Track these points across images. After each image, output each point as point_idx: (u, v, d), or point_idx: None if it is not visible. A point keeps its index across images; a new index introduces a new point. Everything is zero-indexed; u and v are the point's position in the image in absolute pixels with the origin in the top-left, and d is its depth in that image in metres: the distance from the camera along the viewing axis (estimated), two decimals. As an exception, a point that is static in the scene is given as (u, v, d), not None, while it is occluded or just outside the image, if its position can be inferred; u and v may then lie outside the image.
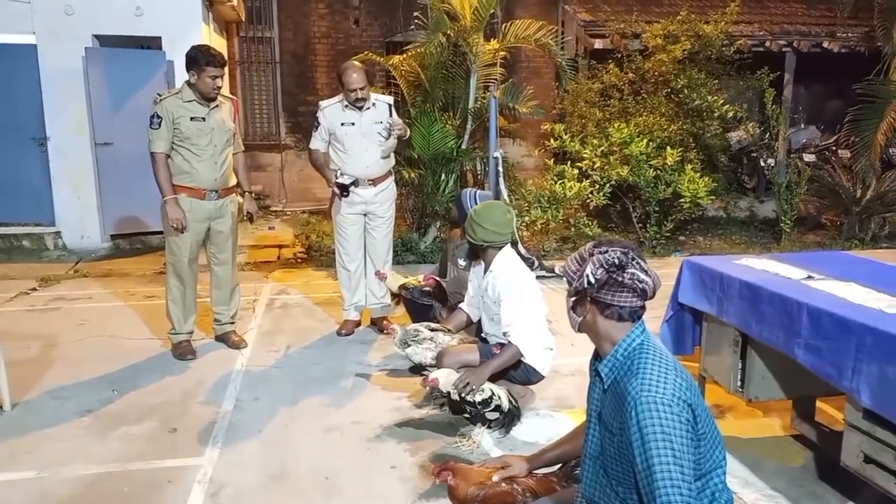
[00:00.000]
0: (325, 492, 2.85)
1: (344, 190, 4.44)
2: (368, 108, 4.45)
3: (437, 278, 4.32)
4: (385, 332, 4.62)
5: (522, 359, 3.31)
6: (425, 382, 3.25)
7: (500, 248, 3.42)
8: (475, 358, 3.36)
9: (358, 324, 4.83)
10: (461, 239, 4.18)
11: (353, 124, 4.42)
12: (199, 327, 4.63)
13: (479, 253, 3.48)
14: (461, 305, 3.82)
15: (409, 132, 4.61)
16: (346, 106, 4.43)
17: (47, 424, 3.45)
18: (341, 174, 4.43)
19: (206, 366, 4.25)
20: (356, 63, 4.53)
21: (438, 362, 3.39)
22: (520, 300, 3.31)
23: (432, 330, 3.65)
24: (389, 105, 4.57)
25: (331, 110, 4.47)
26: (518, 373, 3.38)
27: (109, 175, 7.44)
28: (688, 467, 1.57)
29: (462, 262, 4.15)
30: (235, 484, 2.91)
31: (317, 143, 4.54)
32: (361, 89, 4.35)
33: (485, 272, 3.48)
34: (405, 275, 4.92)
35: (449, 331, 3.67)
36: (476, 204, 4.23)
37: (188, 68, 4.10)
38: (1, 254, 7.29)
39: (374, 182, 4.53)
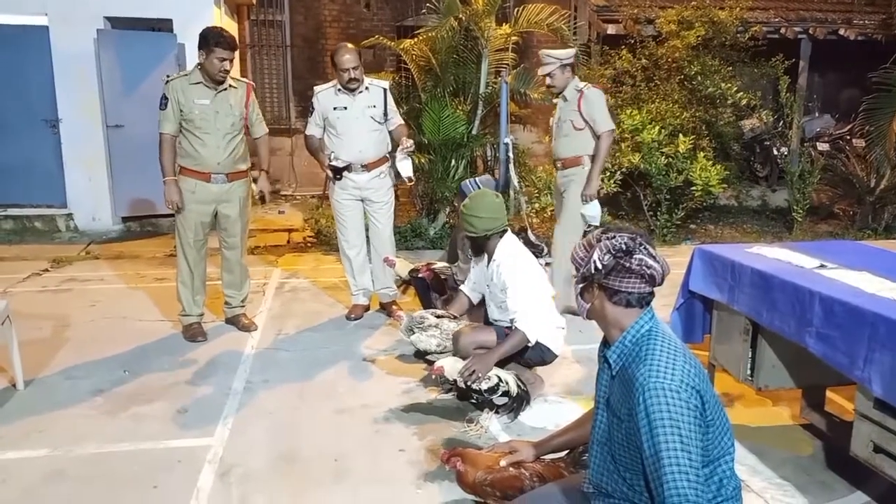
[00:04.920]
0: (334, 473, 2.87)
1: (337, 173, 4.43)
2: (361, 92, 4.42)
3: (436, 271, 4.31)
4: (393, 317, 4.63)
5: (534, 342, 3.30)
6: (431, 370, 3.27)
7: (501, 234, 3.41)
8: (492, 339, 3.35)
9: (367, 308, 4.84)
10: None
11: (345, 108, 4.40)
12: (210, 310, 4.66)
13: (482, 246, 3.45)
14: (461, 288, 3.82)
15: (413, 145, 4.57)
16: (339, 90, 4.41)
17: (60, 404, 3.49)
18: (334, 157, 4.42)
19: (217, 348, 4.28)
20: (348, 44, 4.49)
21: (455, 344, 3.39)
22: (525, 285, 3.31)
23: (438, 317, 3.65)
24: (385, 90, 4.53)
25: (324, 95, 4.46)
26: (533, 353, 3.38)
27: (121, 157, 7.47)
28: (696, 454, 1.57)
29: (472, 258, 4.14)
30: (245, 464, 2.93)
31: (312, 128, 4.54)
32: (354, 69, 4.32)
33: (488, 262, 3.47)
34: (413, 261, 4.93)
35: (454, 317, 3.67)
36: (479, 189, 4.22)
37: (199, 47, 4.10)
38: (13, 235, 7.35)
39: (368, 167, 4.49)
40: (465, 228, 3.43)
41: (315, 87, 4.58)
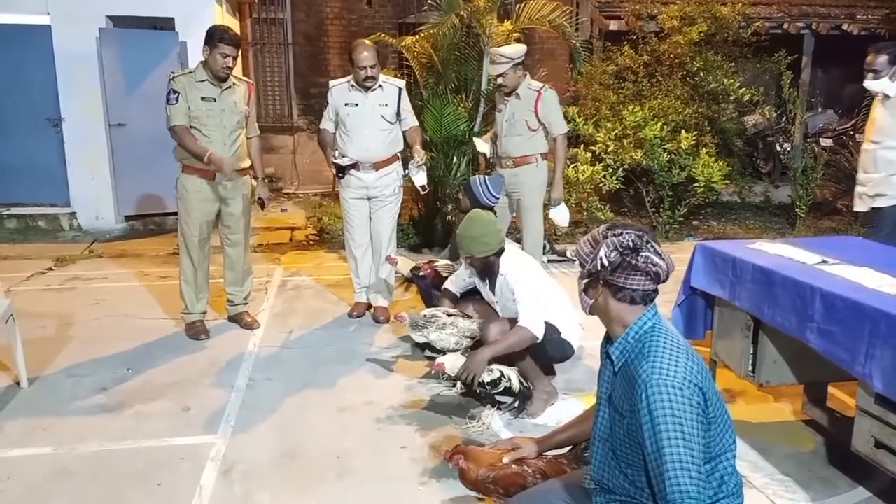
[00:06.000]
0: (337, 470, 2.88)
1: (340, 171, 4.42)
2: (374, 90, 4.39)
3: (437, 269, 4.31)
4: (396, 317, 4.56)
5: (540, 338, 3.22)
6: (432, 367, 3.27)
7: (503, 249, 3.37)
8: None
9: (369, 306, 4.83)
10: None
11: (356, 105, 4.37)
12: (213, 308, 4.67)
13: (491, 265, 3.36)
14: (446, 285, 3.81)
15: (425, 157, 4.57)
16: (353, 86, 4.39)
17: (63, 402, 3.51)
18: (340, 155, 4.40)
19: (220, 346, 4.29)
20: (367, 41, 4.46)
21: (483, 332, 3.37)
22: (531, 286, 3.26)
23: (449, 315, 3.64)
24: (400, 89, 4.48)
25: (338, 90, 4.44)
26: (554, 348, 3.31)
27: (123, 156, 7.49)
28: (697, 451, 1.57)
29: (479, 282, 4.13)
30: (248, 462, 2.95)
31: (325, 122, 4.52)
32: (371, 67, 4.30)
33: (495, 280, 3.42)
34: (415, 258, 4.93)
35: (467, 315, 3.66)
36: (489, 189, 4.20)
37: (204, 43, 4.11)
38: (17, 234, 7.37)
39: (377, 166, 4.45)
40: (476, 254, 3.30)
41: (330, 82, 4.55)
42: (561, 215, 4.70)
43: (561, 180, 4.70)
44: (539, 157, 4.68)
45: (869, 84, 4.13)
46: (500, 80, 4.58)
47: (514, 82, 4.58)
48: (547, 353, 3.33)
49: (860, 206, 4.36)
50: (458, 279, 3.78)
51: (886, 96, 4.09)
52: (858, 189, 4.36)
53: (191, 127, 4.13)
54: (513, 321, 3.29)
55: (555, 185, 4.69)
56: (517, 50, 4.60)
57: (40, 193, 7.61)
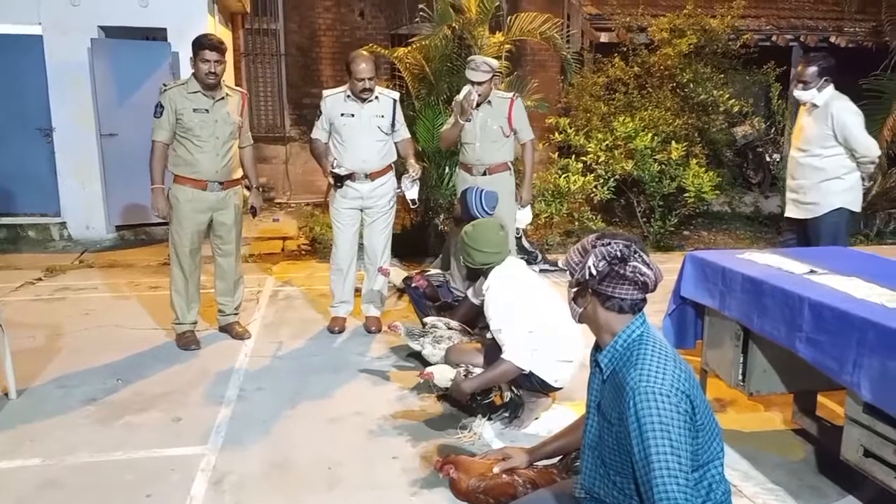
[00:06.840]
0: (327, 481, 2.87)
1: (338, 181, 4.41)
2: (370, 101, 4.39)
3: (429, 278, 4.31)
4: (389, 327, 4.52)
5: (528, 370, 3.10)
6: (421, 375, 3.28)
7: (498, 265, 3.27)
8: (480, 361, 3.27)
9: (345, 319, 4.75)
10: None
11: (352, 116, 4.37)
12: (204, 318, 4.66)
13: (477, 274, 3.37)
14: (468, 293, 3.80)
15: (420, 171, 4.57)
16: (349, 97, 4.39)
17: (52, 413, 3.48)
18: (337, 165, 4.39)
19: (210, 356, 4.28)
20: (366, 53, 4.46)
21: (446, 357, 3.38)
22: (510, 321, 3.06)
23: (450, 328, 3.63)
24: (395, 101, 4.49)
25: (332, 100, 4.43)
26: (528, 382, 3.20)
27: (114, 166, 7.48)
28: (685, 458, 1.58)
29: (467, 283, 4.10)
30: (238, 473, 2.93)
31: (318, 132, 4.51)
32: (370, 79, 4.30)
33: (482, 294, 3.34)
34: (406, 268, 4.92)
35: (466, 331, 3.64)
36: (482, 204, 4.21)
37: (191, 56, 4.13)
38: (7, 244, 7.34)
39: (372, 177, 4.46)
40: (464, 258, 3.31)
41: (324, 91, 4.53)
42: (525, 216, 4.97)
43: (530, 183, 4.96)
44: (510, 165, 4.86)
45: (798, 94, 4.28)
46: (476, 88, 4.61)
47: (487, 93, 4.68)
48: (521, 382, 3.22)
49: (797, 213, 4.44)
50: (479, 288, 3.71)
51: (815, 106, 4.23)
52: (790, 195, 4.48)
53: (184, 138, 4.14)
54: (480, 353, 3.27)
55: (525, 186, 4.93)
56: (497, 63, 4.79)
57: (30, 203, 7.59)
